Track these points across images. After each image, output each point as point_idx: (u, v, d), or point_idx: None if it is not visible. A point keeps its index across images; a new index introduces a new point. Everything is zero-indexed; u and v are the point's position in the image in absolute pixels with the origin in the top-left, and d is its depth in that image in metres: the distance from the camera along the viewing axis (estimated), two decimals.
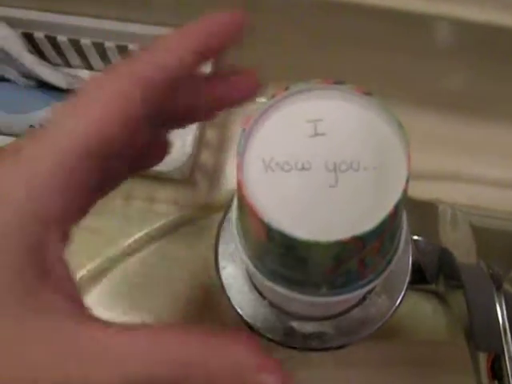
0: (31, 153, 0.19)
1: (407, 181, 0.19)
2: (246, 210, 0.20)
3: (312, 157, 0.19)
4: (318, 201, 0.19)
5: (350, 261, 0.20)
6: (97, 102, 0.20)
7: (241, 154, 0.20)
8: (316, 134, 0.19)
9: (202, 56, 0.22)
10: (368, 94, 0.20)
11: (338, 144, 0.19)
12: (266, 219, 0.18)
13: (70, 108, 0.20)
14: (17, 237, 0.18)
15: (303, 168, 0.19)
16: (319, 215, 0.19)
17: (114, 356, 0.17)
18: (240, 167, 0.19)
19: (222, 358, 0.18)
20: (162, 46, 0.22)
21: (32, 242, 0.18)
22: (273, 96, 0.20)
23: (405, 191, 0.19)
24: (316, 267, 0.21)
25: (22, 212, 0.18)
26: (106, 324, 0.18)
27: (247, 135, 0.20)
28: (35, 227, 0.19)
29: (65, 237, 0.21)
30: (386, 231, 0.20)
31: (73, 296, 0.19)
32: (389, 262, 0.24)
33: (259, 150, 0.20)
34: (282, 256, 0.21)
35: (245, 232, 0.24)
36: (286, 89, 0.20)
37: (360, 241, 0.19)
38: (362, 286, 0.23)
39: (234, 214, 0.25)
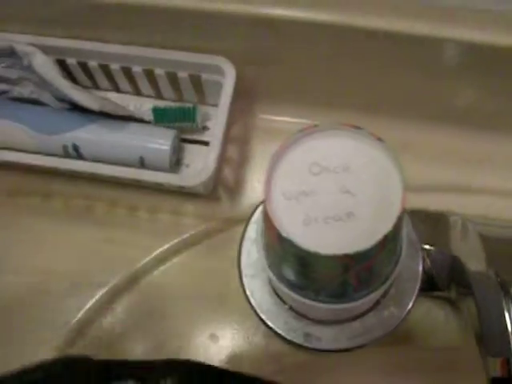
0: None
1: (398, 218, 0.21)
2: (268, 223, 0.22)
3: (324, 192, 0.22)
4: (327, 224, 0.22)
5: (344, 274, 0.23)
6: None
7: (268, 177, 0.22)
8: (334, 171, 0.22)
9: None
10: (380, 139, 0.23)
11: (348, 185, 0.22)
12: (280, 229, 0.21)
13: None
14: None
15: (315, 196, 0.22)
16: (325, 234, 0.22)
17: None
18: (267, 186, 0.22)
19: None
20: None
21: None
22: (302, 130, 0.23)
23: (395, 226, 0.21)
24: (316, 274, 0.23)
25: None
26: None
27: (275, 161, 0.22)
28: None
29: None
30: (376, 255, 0.22)
31: None
32: (384, 281, 0.26)
33: (283, 175, 0.22)
34: (290, 262, 0.23)
35: (267, 242, 0.26)
36: (315, 126, 0.23)
37: (351, 259, 0.21)
38: (356, 299, 0.26)
39: (259, 228, 0.27)
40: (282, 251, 0.22)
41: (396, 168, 0.22)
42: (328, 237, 0.21)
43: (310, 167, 0.22)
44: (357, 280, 0.23)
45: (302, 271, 0.23)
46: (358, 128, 0.22)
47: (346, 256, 0.20)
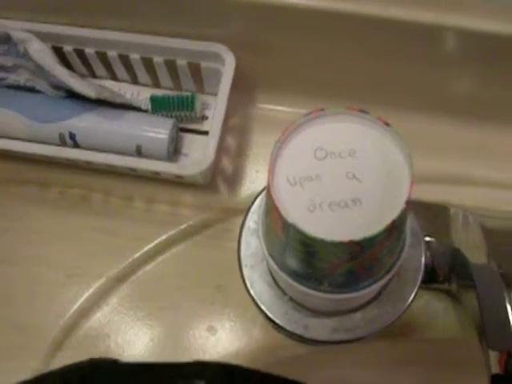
0: None
1: (406, 203, 0.21)
2: (271, 209, 0.22)
3: (329, 178, 0.21)
4: (333, 210, 0.21)
5: (350, 262, 0.22)
6: None
7: (272, 162, 0.21)
8: (339, 156, 0.21)
9: None
10: (387, 124, 0.22)
11: (354, 170, 0.21)
12: (285, 215, 0.21)
13: None
14: None
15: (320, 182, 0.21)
16: (331, 220, 0.21)
17: None
18: (271, 172, 0.21)
19: None
20: None
21: None
22: (308, 114, 0.22)
23: (403, 211, 0.21)
24: (320, 262, 0.23)
25: None
26: None
27: (279, 147, 0.22)
28: None
29: None
30: (383, 242, 0.22)
31: None
32: (388, 271, 0.26)
33: (287, 160, 0.22)
34: (294, 250, 0.23)
35: (268, 231, 0.26)
36: (321, 110, 0.22)
37: (358, 245, 0.21)
38: (360, 289, 0.26)
39: (260, 217, 0.27)
40: (286, 238, 0.22)
41: (403, 153, 0.21)
42: (333, 223, 0.21)
43: (315, 152, 0.21)
44: (362, 269, 0.23)
45: (306, 259, 0.23)
46: (364, 112, 0.22)
47: (353, 243, 0.20)
